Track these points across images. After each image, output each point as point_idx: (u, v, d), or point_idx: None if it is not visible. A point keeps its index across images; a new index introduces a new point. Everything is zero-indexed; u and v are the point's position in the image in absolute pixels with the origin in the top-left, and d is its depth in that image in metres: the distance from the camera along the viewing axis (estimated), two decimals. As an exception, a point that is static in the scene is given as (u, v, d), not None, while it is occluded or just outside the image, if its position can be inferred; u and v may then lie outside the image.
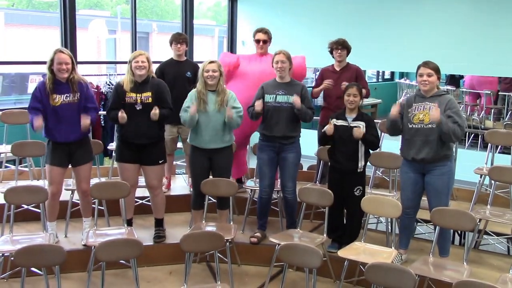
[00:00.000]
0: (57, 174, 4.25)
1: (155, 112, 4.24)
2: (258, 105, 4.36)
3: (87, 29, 12.18)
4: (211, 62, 4.36)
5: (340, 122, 4.32)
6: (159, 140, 4.48)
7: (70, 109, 4.14)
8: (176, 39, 5.21)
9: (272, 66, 4.49)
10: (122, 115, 4.21)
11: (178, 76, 5.11)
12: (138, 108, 4.27)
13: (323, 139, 4.55)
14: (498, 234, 4.86)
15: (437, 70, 3.95)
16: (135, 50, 8.03)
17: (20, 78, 10.51)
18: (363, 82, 5.14)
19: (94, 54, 13.49)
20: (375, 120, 4.91)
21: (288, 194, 4.55)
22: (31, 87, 9.56)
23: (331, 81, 5.10)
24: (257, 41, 5.07)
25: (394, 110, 4.02)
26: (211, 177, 4.51)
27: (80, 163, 4.29)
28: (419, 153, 3.94)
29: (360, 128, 4.20)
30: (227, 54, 5.54)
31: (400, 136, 4.18)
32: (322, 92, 5.32)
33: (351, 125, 4.27)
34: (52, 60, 4.07)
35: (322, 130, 4.44)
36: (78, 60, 7.41)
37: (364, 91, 4.99)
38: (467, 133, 8.60)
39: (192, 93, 4.41)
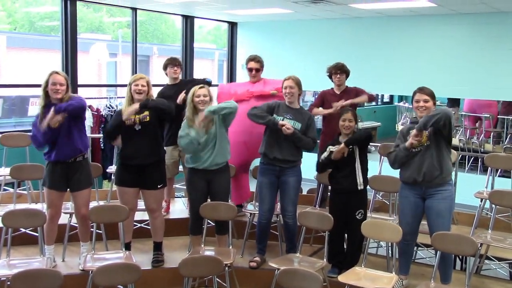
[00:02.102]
0: (56, 197, 4.23)
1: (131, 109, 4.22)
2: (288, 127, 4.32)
3: (88, 53, 12.29)
4: (201, 87, 4.35)
5: (336, 148, 4.33)
6: (159, 163, 4.46)
7: (61, 127, 4.10)
8: (172, 62, 5.29)
9: (281, 91, 4.52)
10: (128, 109, 4.23)
11: (176, 98, 5.13)
12: (137, 129, 4.27)
13: (323, 165, 4.52)
14: (499, 259, 4.81)
15: (432, 95, 3.97)
16: (136, 73, 8.09)
17: (20, 101, 10.56)
18: (364, 93, 5.25)
19: (95, 77, 13.59)
20: (374, 144, 4.92)
21: (289, 218, 4.53)
22: (32, 110, 9.59)
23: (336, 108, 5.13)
24: (250, 70, 5.15)
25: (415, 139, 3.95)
26: (209, 200, 4.49)
27: (79, 188, 4.26)
28: (420, 171, 3.94)
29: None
30: (221, 86, 5.54)
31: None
32: (322, 117, 5.34)
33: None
34: (47, 82, 4.08)
35: (323, 157, 4.42)
36: (79, 83, 7.48)
37: (365, 96, 5.20)
38: (467, 157, 8.59)
39: (185, 124, 4.39)
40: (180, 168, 5.55)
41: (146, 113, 4.28)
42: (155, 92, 4.83)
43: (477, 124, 9.74)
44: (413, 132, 3.90)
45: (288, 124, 4.35)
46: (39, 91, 4.18)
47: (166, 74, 5.34)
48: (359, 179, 4.31)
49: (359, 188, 4.31)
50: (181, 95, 4.99)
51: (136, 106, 4.23)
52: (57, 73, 4.12)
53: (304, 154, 4.66)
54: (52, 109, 4.00)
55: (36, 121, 4.11)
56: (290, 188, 4.49)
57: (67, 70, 7.12)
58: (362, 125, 4.58)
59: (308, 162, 4.92)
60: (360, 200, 4.37)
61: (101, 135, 7.05)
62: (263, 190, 4.56)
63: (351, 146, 4.27)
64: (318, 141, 5.33)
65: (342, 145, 4.25)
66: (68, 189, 4.28)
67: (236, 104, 4.37)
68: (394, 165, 4.18)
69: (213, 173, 4.39)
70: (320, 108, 5.26)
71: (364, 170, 4.36)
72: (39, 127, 4.04)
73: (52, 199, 4.23)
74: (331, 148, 4.35)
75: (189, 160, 4.44)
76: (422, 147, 3.96)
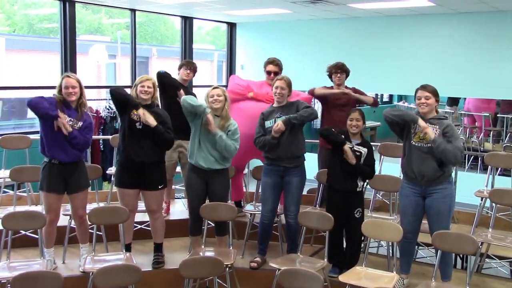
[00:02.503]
0: (54, 201, 4.22)
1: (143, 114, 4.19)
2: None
3: (87, 54, 12.28)
4: (215, 88, 4.40)
5: (348, 147, 4.29)
6: (159, 163, 4.45)
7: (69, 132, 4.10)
8: (187, 65, 5.27)
9: (271, 90, 4.52)
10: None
11: (177, 99, 5.12)
12: (138, 127, 4.27)
13: (331, 136, 4.39)
14: (500, 258, 4.81)
15: (435, 93, 3.98)
16: (135, 74, 8.11)
17: (19, 103, 10.53)
18: (363, 94, 5.29)
19: (94, 78, 13.57)
20: (374, 143, 4.92)
21: (291, 218, 4.53)
22: (31, 113, 9.57)
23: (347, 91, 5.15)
24: (268, 73, 5.10)
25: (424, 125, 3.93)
26: (207, 201, 4.48)
27: (77, 190, 4.27)
28: (420, 168, 3.95)
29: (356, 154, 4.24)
30: (237, 78, 5.51)
31: (400, 159, 4.19)
32: (321, 116, 5.35)
33: (355, 148, 4.29)
34: (60, 86, 4.14)
35: (337, 136, 4.35)
36: (78, 85, 7.47)
37: (369, 98, 5.23)
38: (467, 156, 8.58)
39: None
40: (178, 169, 5.55)
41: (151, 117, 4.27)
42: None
43: (476, 123, 9.75)
44: (424, 125, 3.89)
45: (274, 125, 4.34)
46: (38, 93, 4.20)
47: (179, 73, 5.32)
48: (360, 182, 4.32)
49: (358, 190, 4.32)
50: (182, 92, 4.99)
51: (151, 121, 4.19)
52: (68, 76, 4.18)
53: (305, 154, 4.65)
54: (69, 129, 4.06)
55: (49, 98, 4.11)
56: (293, 188, 4.49)
57: (66, 71, 7.11)
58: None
59: (309, 162, 4.92)
60: (358, 199, 4.37)
61: (101, 136, 7.06)
62: (267, 191, 4.56)
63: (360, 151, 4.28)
64: (318, 140, 5.35)
65: (354, 159, 4.22)
66: (66, 192, 4.27)
67: (234, 155, 4.41)
68: (389, 112, 4.11)
69: (212, 174, 4.40)
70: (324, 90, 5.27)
71: None
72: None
73: (50, 203, 4.22)
74: (348, 144, 4.29)
75: (191, 156, 4.43)
76: (424, 144, 3.95)
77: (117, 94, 4.29)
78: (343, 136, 4.31)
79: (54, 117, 4.03)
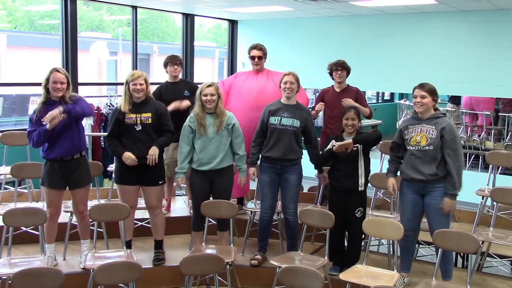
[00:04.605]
0: (55, 196, 4.21)
1: (152, 156, 4.22)
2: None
3: (89, 51, 12.29)
4: (209, 85, 4.34)
5: (339, 143, 4.31)
6: (158, 160, 4.44)
7: (61, 126, 4.06)
8: (172, 61, 5.24)
9: (280, 87, 4.50)
10: (130, 156, 4.18)
11: (176, 97, 5.11)
12: (138, 129, 4.25)
13: (324, 158, 4.49)
14: (501, 257, 4.81)
15: (432, 92, 3.94)
16: (136, 71, 8.08)
17: (20, 99, 10.56)
18: (364, 103, 5.18)
19: (95, 75, 13.60)
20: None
21: (289, 215, 4.52)
22: (32, 109, 9.59)
23: (322, 105, 5.13)
24: (252, 58, 5.10)
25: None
26: (211, 198, 4.48)
27: (78, 186, 4.25)
28: (418, 173, 3.94)
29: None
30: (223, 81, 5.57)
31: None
32: (323, 115, 5.33)
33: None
34: (47, 79, 4.06)
35: (325, 150, 4.40)
36: (79, 81, 7.47)
37: (367, 110, 5.10)
38: (468, 154, 8.58)
39: (186, 124, 4.39)
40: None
41: (149, 114, 4.27)
42: (153, 89, 4.81)
43: (476, 122, 9.72)
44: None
45: (341, 143, 4.30)
46: (39, 90, 4.17)
47: (167, 71, 5.32)
48: (361, 180, 4.30)
49: (360, 189, 4.31)
50: (174, 104, 5.00)
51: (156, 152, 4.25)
52: (57, 71, 4.08)
53: (305, 152, 4.65)
54: (61, 108, 3.96)
55: (33, 117, 4.08)
56: (291, 186, 4.49)
57: (67, 68, 7.11)
58: (362, 122, 4.56)
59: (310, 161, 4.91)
60: (360, 198, 4.36)
61: (102, 133, 7.06)
62: (265, 188, 4.55)
63: (357, 145, 4.25)
64: (318, 138, 5.34)
65: (350, 140, 4.22)
66: (67, 187, 4.27)
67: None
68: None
69: (216, 173, 4.40)
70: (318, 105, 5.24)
71: (367, 171, 4.36)
72: (36, 123, 4.00)
73: (51, 199, 4.21)
74: (334, 142, 4.32)
75: (195, 161, 4.43)
76: (421, 147, 3.94)
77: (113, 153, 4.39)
78: (330, 145, 4.34)
79: (47, 129, 3.97)
